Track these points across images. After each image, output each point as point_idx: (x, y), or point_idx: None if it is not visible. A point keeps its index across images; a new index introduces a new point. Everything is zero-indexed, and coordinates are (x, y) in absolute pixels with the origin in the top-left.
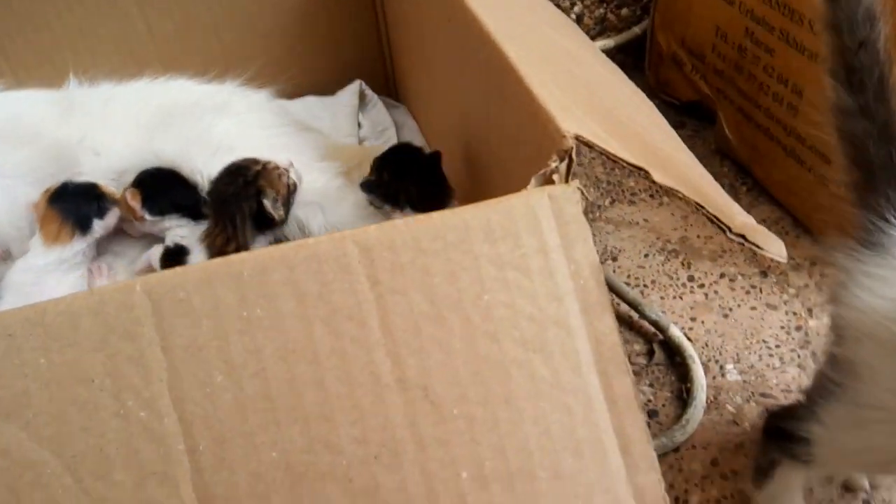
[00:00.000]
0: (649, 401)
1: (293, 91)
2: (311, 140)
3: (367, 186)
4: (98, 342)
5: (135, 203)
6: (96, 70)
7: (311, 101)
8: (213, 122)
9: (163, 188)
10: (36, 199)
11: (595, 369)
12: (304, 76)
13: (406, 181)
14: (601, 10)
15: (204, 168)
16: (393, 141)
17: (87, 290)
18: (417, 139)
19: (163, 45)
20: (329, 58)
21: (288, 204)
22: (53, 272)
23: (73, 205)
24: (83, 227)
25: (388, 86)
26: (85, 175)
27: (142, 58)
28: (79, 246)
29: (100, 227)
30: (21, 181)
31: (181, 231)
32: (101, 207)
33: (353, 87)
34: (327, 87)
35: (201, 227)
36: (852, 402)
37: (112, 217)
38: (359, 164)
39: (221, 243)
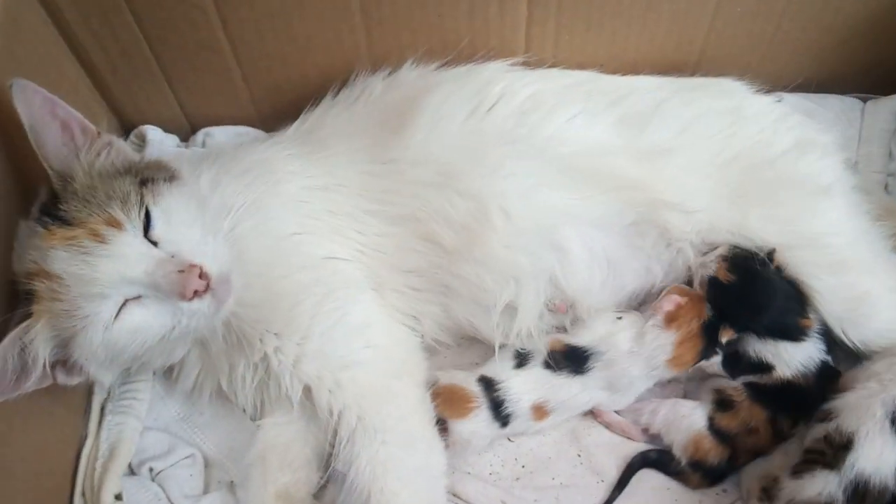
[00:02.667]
0: None
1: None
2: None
3: None
4: None
5: (727, 337)
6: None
7: (833, 102)
8: (817, 207)
9: (761, 307)
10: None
11: None
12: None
13: None
14: None
15: (816, 279)
16: None
17: None
18: None
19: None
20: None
21: None
22: (637, 361)
23: (713, 331)
24: (706, 354)
25: None
26: (670, 229)
27: None
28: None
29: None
30: (599, 231)
31: (766, 347)
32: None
33: (893, 104)
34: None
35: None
36: None
37: (714, 367)
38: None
39: None
